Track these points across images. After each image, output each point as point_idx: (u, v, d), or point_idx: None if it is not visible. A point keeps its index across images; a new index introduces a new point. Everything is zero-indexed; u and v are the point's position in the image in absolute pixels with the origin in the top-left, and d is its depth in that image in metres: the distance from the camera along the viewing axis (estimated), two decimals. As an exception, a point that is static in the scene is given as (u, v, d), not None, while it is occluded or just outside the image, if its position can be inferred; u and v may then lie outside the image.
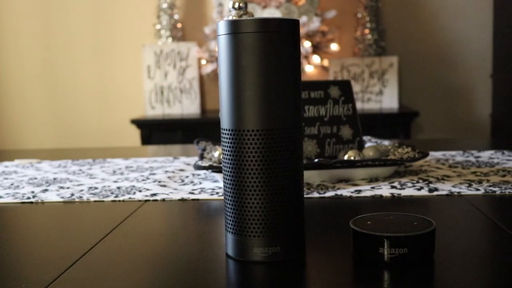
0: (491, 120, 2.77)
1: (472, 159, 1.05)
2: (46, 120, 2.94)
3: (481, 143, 1.34)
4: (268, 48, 0.50)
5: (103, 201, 0.82)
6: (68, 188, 0.91)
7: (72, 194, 0.86)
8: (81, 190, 0.88)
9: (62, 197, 0.84)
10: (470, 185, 0.82)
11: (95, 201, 0.82)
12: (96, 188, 0.90)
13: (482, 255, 0.54)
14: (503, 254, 0.54)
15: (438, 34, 2.76)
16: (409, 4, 2.76)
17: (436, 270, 0.49)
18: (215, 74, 2.68)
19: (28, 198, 0.84)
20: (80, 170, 1.08)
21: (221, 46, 0.52)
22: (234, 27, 0.50)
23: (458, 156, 1.09)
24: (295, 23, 0.52)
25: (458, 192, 0.78)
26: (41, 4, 2.85)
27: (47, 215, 0.76)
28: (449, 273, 0.48)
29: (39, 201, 0.83)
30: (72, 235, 0.65)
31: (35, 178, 1.00)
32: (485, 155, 1.09)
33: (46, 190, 0.90)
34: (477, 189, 0.79)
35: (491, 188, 0.80)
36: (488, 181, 0.85)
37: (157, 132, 2.56)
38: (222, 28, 0.51)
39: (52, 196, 0.85)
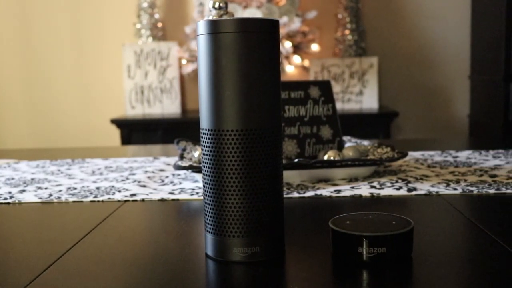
0: (469, 121, 2.81)
1: (450, 159, 1.06)
2: (24, 119, 2.90)
3: (459, 143, 1.36)
4: (247, 48, 0.50)
5: (82, 201, 0.81)
6: (46, 188, 0.90)
7: (50, 195, 0.85)
8: (60, 191, 0.87)
9: (40, 198, 0.83)
10: (448, 185, 0.83)
11: (73, 201, 0.81)
12: (75, 188, 0.89)
13: (460, 254, 0.55)
14: (480, 253, 0.54)
15: (417, 35, 2.78)
16: (389, 5, 2.78)
17: (414, 269, 0.50)
18: (195, 74, 2.67)
19: (5, 198, 0.83)
20: (59, 170, 1.07)
21: (201, 46, 0.52)
22: (214, 27, 0.50)
23: (436, 156, 1.10)
24: (274, 23, 0.52)
25: (436, 192, 0.79)
26: (21, 2, 2.81)
27: (25, 216, 0.75)
28: (426, 272, 0.49)
29: (17, 201, 0.82)
30: (50, 236, 0.65)
31: (13, 179, 0.99)
32: (463, 155, 1.10)
33: (24, 190, 0.89)
34: (455, 189, 0.80)
35: (469, 187, 0.81)
36: (465, 180, 0.86)
37: (137, 132, 2.54)
38: (202, 28, 0.51)
39: (30, 196, 0.84)
